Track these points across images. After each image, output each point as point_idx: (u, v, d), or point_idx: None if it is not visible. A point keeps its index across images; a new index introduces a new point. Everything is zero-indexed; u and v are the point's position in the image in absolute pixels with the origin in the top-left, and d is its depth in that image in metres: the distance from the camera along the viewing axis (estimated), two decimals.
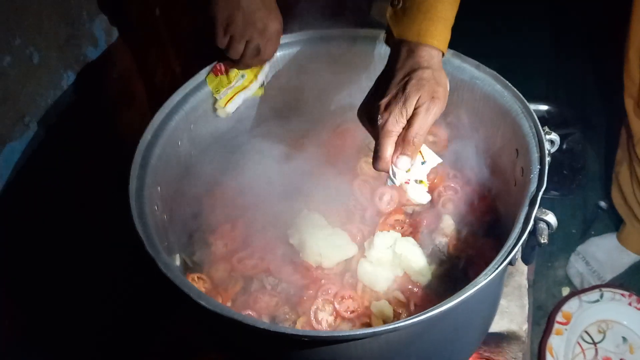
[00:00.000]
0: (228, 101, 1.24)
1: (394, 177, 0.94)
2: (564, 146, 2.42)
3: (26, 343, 1.28)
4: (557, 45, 2.87)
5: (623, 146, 1.94)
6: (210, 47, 1.20)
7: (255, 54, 1.17)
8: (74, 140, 1.44)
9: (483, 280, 0.87)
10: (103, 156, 1.52)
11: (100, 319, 1.47)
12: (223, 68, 1.22)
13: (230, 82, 1.23)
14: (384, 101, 0.92)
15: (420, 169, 0.97)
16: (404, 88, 0.91)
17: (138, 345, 1.46)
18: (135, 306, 1.54)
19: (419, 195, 1.00)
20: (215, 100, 1.24)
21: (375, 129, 0.94)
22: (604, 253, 2.06)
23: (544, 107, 2.56)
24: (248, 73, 1.25)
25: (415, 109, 0.91)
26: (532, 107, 2.62)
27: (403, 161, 0.92)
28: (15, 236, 1.24)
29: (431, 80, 0.92)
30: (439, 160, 0.99)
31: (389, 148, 0.92)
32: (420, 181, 0.99)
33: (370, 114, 0.95)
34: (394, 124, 0.91)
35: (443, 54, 0.98)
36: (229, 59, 1.20)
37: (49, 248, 1.31)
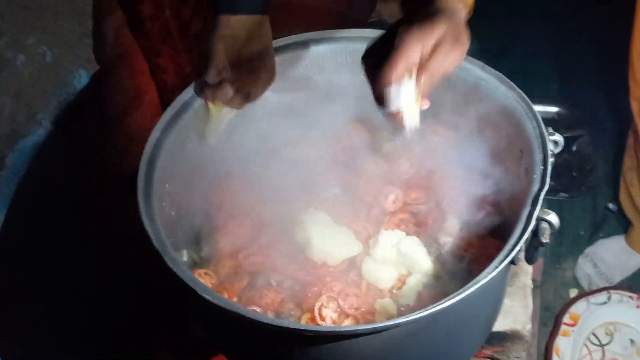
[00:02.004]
0: (213, 132, 1.23)
1: (397, 96, 0.87)
2: (574, 148, 2.41)
3: (34, 339, 1.30)
4: (568, 48, 2.86)
5: (630, 150, 1.93)
6: None
7: (243, 99, 1.16)
8: (86, 138, 1.47)
9: (485, 278, 0.88)
10: (114, 154, 1.54)
11: (110, 315, 1.50)
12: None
13: (211, 114, 1.21)
14: (404, 27, 0.84)
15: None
16: (430, 18, 0.84)
17: (146, 343, 1.48)
18: (145, 304, 1.56)
19: (415, 119, 0.94)
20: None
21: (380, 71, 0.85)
22: (612, 255, 2.05)
23: (554, 109, 2.55)
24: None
25: (437, 45, 0.83)
26: (542, 108, 2.63)
27: (409, 85, 0.85)
28: (27, 231, 1.26)
29: (460, 24, 0.87)
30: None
31: (400, 65, 0.83)
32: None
33: (381, 52, 0.86)
34: (413, 47, 0.82)
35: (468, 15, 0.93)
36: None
37: (60, 243, 1.33)
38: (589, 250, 2.12)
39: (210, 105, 1.19)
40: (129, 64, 1.62)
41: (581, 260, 2.12)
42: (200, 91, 1.18)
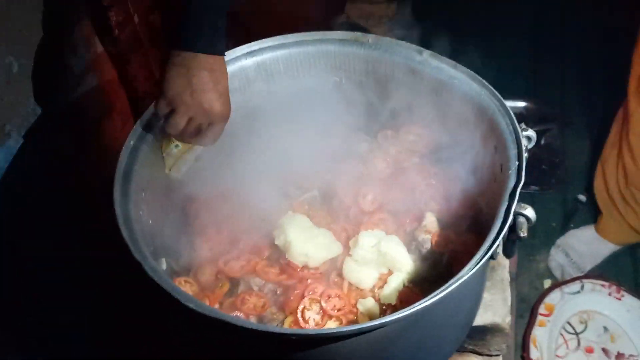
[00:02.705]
0: (172, 166, 1.20)
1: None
2: (542, 142, 2.46)
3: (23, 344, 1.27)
4: (535, 44, 2.92)
5: (616, 130, 1.96)
6: None
7: (195, 133, 1.13)
8: (57, 148, 1.44)
9: (466, 275, 0.89)
10: (87, 164, 1.52)
11: (93, 327, 1.47)
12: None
13: (164, 150, 1.18)
14: None
15: None
16: None
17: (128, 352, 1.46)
18: (126, 314, 1.54)
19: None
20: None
21: None
22: (583, 244, 2.10)
23: (522, 104, 2.59)
24: (182, 145, 1.19)
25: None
26: (510, 103, 2.65)
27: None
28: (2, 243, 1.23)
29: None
30: None
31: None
32: None
33: None
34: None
35: None
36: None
37: (37, 255, 1.31)
38: (560, 240, 2.17)
39: (164, 141, 1.17)
40: (98, 72, 1.59)
41: (553, 250, 2.16)
42: (151, 126, 1.16)
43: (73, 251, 1.42)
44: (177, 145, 1.18)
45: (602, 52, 2.72)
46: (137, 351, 1.45)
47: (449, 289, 0.88)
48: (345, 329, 0.87)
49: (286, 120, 1.31)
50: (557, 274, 2.11)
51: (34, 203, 1.34)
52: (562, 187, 2.36)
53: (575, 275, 2.06)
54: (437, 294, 0.88)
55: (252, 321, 1.12)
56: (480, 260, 0.91)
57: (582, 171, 2.41)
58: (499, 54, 2.74)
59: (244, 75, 1.29)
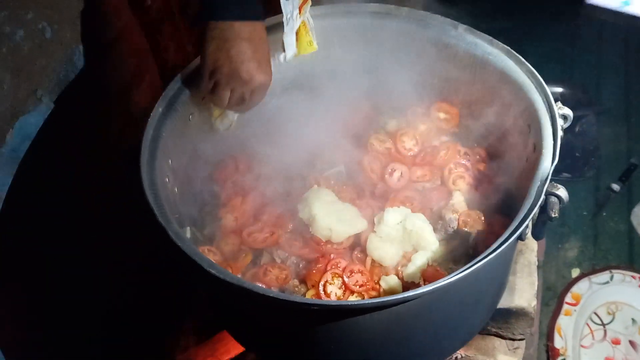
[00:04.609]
0: (218, 118, 1.22)
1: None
2: (577, 129, 2.40)
3: (38, 327, 1.30)
4: (573, 29, 2.84)
5: None
6: None
7: (238, 103, 1.14)
8: (87, 115, 1.45)
9: (492, 254, 0.87)
10: (116, 131, 1.53)
11: (122, 300, 1.49)
12: None
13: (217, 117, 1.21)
14: None
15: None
16: None
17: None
18: (149, 285, 1.56)
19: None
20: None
21: None
22: None
23: (557, 90, 2.53)
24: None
25: None
26: None
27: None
28: (29, 207, 1.25)
29: None
30: None
31: None
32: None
33: None
34: None
35: None
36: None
37: (62, 219, 1.32)
38: None
39: (213, 109, 1.19)
40: (129, 42, 1.60)
41: (637, 208, 2.15)
42: (199, 96, 1.17)
43: (98, 219, 1.44)
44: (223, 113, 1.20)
45: None
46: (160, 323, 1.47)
47: (473, 268, 0.86)
48: (367, 302, 0.86)
49: (316, 94, 1.29)
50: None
51: (63, 168, 1.36)
52: (595, 175, 2.31)
53: None
54: (461, 272, 0.86)
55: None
56: (508, 239, 0.89)
57: (616, 159, 2.35)
58: (536, 38, 2.68)
59: (274, 48, 1.28)
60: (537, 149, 1.02)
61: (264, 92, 1.14)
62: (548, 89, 1.05)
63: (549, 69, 2.67)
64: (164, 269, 1.49)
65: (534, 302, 1.21)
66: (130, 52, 1.61)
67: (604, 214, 2.22)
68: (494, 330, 1.26)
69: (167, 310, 1.53)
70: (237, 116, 1.22)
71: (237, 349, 1.29)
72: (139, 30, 1.62)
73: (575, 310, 1.91)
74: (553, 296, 1.98)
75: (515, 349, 1.26)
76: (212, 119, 1.22)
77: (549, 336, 1.86)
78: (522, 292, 1.22)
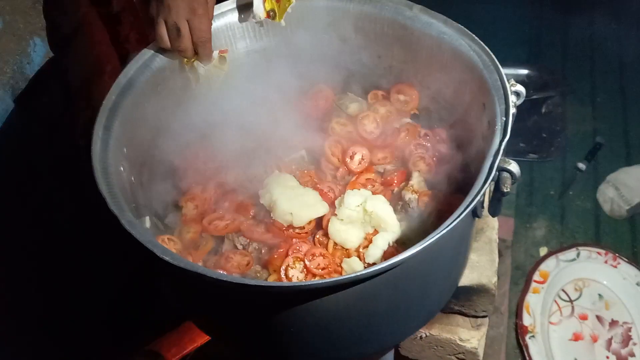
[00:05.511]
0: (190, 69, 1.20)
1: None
2: (543, 110, 2.42)
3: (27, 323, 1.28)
4: (538, 11, 2.86)
5: None
6: None
7: (175, 36, 1.12)
8: (44, 107, 1.43)
9: (444, 229, 0.88)
10: (82, 125, 1.51)
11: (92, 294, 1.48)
12: None
13: (188, 70, 1.20)
14: None
15: None
16: None
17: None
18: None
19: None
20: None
21: None
22: (633, 180, 2.20)
23: (524, 72, 2.56)
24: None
25: None
26: (512, 71, 2.62)
27: None
28: None
29: None
30: None
31: None
32: None
33: None
34: None
35: None
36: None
37: (25, 216, 1.30)
38: (610, 176, 2.25)
39: (183, 61, 1.18)
40: (89, 33, 1.57)
41: (603, 186, 2.24)
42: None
43: (63, 213, 1.42)
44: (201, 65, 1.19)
45: (607, 19, 2.67)
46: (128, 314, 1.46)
47: (430, 241, 0.87)
48: (321, 282, 0.86)
49: (274, 78, 1.28)
50: (606, 207, 2.21)
51: (24, 164, 1.34)
52: (562, 155, 2.34)
53: (624, 207, 2.16)
54: (418, 246, 0.86)
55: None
56: (462, 213, 0.89)
57: (582, 139, 2.38)
58: (500, 21, 2.70)
59: (230, 32, 1.26)
60: (491, 126, 1.03)
61: (201, 22, 1.11)
62: (501, 67, 1.06)
63: (515, 51, 2.69)
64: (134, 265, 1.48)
65: (495, 279, 1.22)
66: (90, 43, 1.58)
67: (571, 192, 2.25)
68: (456, 308, 1.27)
69: (135, 303, 1.53)
70: (204, 69, 1.20)
71: (203, 337, 1.28)
72: (98, 21, 1.60)
73: (543, 288, 1.94)
74: (522, 275, 2.01)
75: (479, 325, 1.27)
76: (191, 77, 1.21)
77: (518, 314, 1.88)
78: (483, 270, 1.23)
